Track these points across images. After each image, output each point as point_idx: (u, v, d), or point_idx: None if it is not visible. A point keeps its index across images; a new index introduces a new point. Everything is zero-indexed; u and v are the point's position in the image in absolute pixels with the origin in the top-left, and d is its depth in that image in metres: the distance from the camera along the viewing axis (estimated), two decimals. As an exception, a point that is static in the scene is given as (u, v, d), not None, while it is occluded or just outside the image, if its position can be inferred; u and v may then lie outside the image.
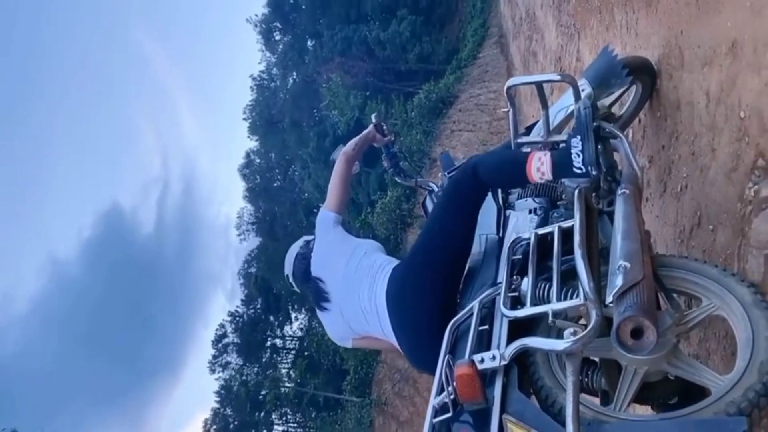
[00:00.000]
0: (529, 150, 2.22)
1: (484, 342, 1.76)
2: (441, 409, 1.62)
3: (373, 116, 2.92)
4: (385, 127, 2.87)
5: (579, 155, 1.97)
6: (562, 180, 2.12)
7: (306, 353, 35.81)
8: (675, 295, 1.85)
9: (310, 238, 2.63)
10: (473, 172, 2.20)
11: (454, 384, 1.56)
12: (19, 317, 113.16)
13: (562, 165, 2.01)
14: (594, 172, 1.95)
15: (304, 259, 2.56)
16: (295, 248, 2.64)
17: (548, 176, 2.04)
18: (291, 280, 2.62)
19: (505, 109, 2.34)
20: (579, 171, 1.97)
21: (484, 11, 31.37)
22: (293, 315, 44.91)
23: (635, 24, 3.37)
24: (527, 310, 1.70)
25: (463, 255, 2.23)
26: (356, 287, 2.35)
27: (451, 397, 1.58)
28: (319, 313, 2.56)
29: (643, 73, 2.87)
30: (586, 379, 1.82)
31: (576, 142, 1.99)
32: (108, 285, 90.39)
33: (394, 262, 2.36)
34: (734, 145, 2.16)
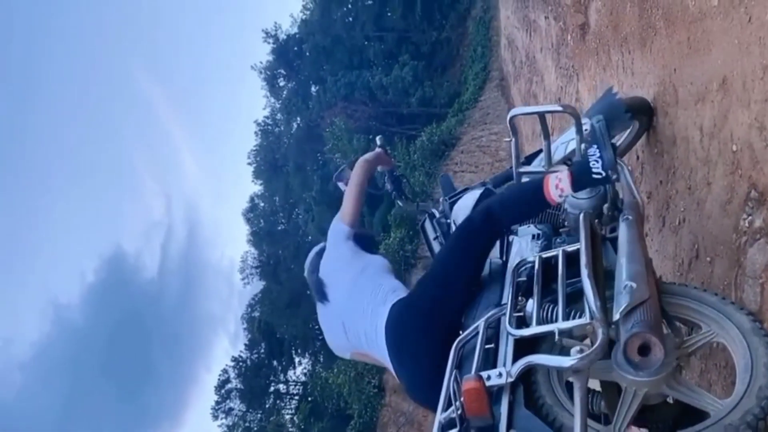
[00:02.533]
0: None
1: (490, 360, 1.77)
2: (447, 425, 1.62)
3: (377, 139, 2.98)
4: (388, 151, 2.93)
5: (598, 161, 1.98)
6: (565, 207, 2.16)
7: (310, 398, 35.30)
8: (676, 322, 1.89)
9: None
10: (487, 214, 2.18)
11: (461, 399, 1.58)
12: (21, 362, 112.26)
13: (581, 174, 2.02)
14: (614, 176, 1.98)
15: (320, 257, 2.56)
16: (317, 247, 2.65)
17: (568, 190, 2.04)
18: (306, 274, 2.60)
19: (508, 139, 2.39)
20: (599, 176, 1.98)
21: (485, 56, 31.78)
22: (297, 359, 44.45)
23: (631, 64, 3.48)
24: (533, 329, 1.73)
25: (467, 299, 2.19)
26: (360, 307, 2.33)
27: (458, 412, 1.59)
28: (320, 316, 2.53)
29: (644, 116, 2.96)
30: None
31: (593, 150, 2.01)
32: (111, 329, 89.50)
33: (399, 290, 2.33)
34: (728, 178, 2.22)
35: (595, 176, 1.99)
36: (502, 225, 2.22)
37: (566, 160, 2.55)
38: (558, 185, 2.04)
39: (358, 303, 2.35)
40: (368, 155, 2.74)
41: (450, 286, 2.17)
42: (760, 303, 2.01)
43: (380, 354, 2.27)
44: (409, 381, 2.22)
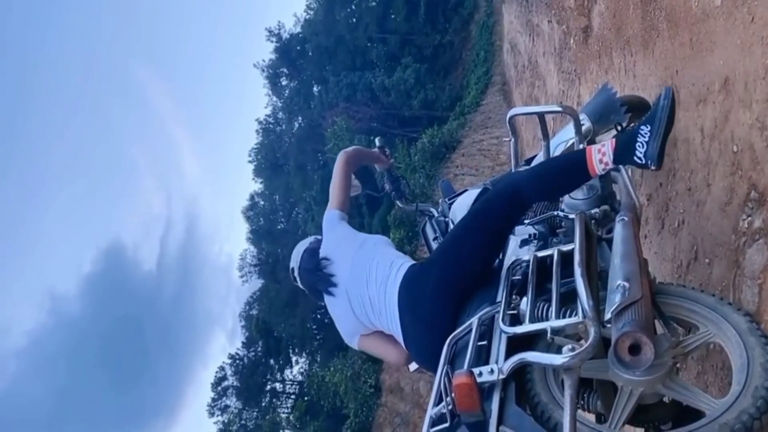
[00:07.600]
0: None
1: (482, 357, 1.76)
2: (438, 420, 1.62)
3: (377, 140, 3.00)
4: (387, 152, 2.94)
5: (643, 145, 1.88)
6: (562, 208, 2.16)
7: (306, 397, 35.29)
8: (672, 322, 1.88)
9: (320, 237, 2.62)
10: (513, 188, 2.10)
11: (453, 394, 1.57)
12: (15, 351, 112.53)
13: (624, 150, 1.92)
14: (653, 167, 1.88)
15: (313, 253, 2.55)
16: (304, 243, 2.65)
17: (611, 164, 1.95)
18: (296, 273, 2.60)
19: (507, 139, 2.39)
20: (639, 161, 1.89)
21: (487, 60, 31.82)
22: (294, 358, 44.46)
23: (633, 66, 3.47)
24: (526, 327, 1.72)
25: (485, 271, 2.16)
26: (365, 274, 2.33)
27: (449, 407, 1.59)
28: (329, 306, 2.51)
29: (641, 112, 2.95)
30: (582, 401, 1.84)
31: (645, 130, 1.90)
32: (107, 322, 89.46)
33: (407, 260, 2.33)
34: (728, 179, 2.22)
35: (635, 158, 1.89)
36: (530, 199, 2.12)
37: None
38: (602, 158, 1.95)
39: (362, 271, 2.36)
40: (352, 147, 2.76)
41: (466, 255, 2.13)
42: (759, 303, 2.01)
43: (388, 319, 2.27)
44: (418, 344, 2.22)
